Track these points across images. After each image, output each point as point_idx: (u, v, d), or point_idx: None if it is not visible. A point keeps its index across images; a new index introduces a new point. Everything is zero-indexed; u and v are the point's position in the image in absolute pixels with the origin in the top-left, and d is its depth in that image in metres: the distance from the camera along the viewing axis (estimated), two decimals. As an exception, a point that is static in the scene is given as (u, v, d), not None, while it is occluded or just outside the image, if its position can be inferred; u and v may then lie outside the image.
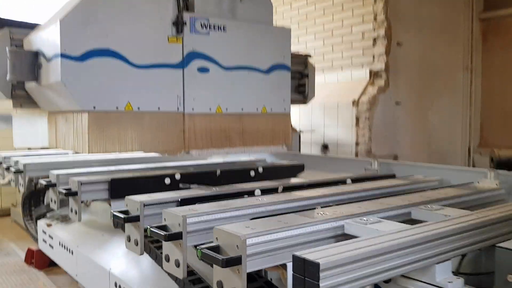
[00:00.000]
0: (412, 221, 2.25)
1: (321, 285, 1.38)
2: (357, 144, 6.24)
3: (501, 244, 1.64)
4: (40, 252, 4.90)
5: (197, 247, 1.73)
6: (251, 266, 1.68)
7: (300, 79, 4.92)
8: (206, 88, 3.46)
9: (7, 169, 4.48)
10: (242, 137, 3.69)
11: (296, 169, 4.29)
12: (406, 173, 3.58)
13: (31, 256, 5.05)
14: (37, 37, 3.27)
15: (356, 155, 6.20)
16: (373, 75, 6.41)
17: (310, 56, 5.15)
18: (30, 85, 3.38)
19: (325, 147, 6.65)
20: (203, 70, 3.44)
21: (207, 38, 3.46)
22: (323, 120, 6.71)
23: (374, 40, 6.42)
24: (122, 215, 2.37)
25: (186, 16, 3.34)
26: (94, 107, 2.95)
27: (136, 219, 2.36)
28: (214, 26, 3.48)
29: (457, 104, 7.39)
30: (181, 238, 2.00)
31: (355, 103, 6.25)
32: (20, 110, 3.73)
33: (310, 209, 2.17)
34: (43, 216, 4.85)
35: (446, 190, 2.78)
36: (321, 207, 2.21)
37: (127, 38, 3.09)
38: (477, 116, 7.53)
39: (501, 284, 1.61)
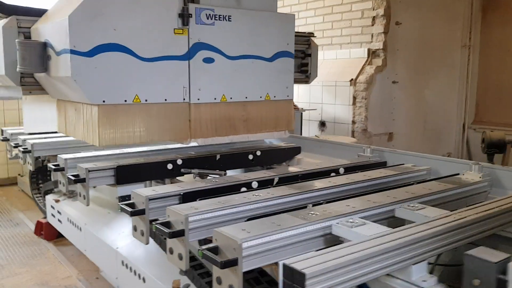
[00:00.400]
0: (396, 219, 2.46)
1: (307, 291, 1.57)
2: (353, 122, 6.39)
3: (469, 252, 1.82)
4: (48, 224, 5.09)
5: (199, 248, 1.93)
6: (246, 266, 1.87)
7: (303, 59, 4.91)
8: (211, 78, 3.51)
9: (15, 146, 4.65)
10: (246, 125, 3.76)
11: (293, 152, 4.48)
12: (397, 161, 3.75)
13: (40, 228, 5.26)
14: (45, 27, 3.32)
15: (353, 133, 6.37)
16: (371, 54, 6.49)
17: (313, 35, 5.16)
18: (39, 75, 3.47)
19: (322, 124, 6.81)
20: (208, 60, 3.48)
21: (213, 29, 3.48)
22: (322, 97, 6.83)
23: (373, 18, 6.47)
24: (129, 209, 2.56)
25: (192, 7, 3.34)
26: (104, 101, 3.03)
27: (141, 212, 2.56)
28: (219, 17, 3.50)
29: (454, 81, 7.46)
30: (184, 235, 2.21)
31: (353, 82, 6.37)
32: (30, 96, 3.85)
33: (302, 208, 2.35)
34: (51, 191, 5.04)
35: (432, 184, 2.95)
36: (312, 205, 2.40)
37: (134, 32, 3.12)
38: (473, 92, 7.60)
39: (468, 287, 1.81)
